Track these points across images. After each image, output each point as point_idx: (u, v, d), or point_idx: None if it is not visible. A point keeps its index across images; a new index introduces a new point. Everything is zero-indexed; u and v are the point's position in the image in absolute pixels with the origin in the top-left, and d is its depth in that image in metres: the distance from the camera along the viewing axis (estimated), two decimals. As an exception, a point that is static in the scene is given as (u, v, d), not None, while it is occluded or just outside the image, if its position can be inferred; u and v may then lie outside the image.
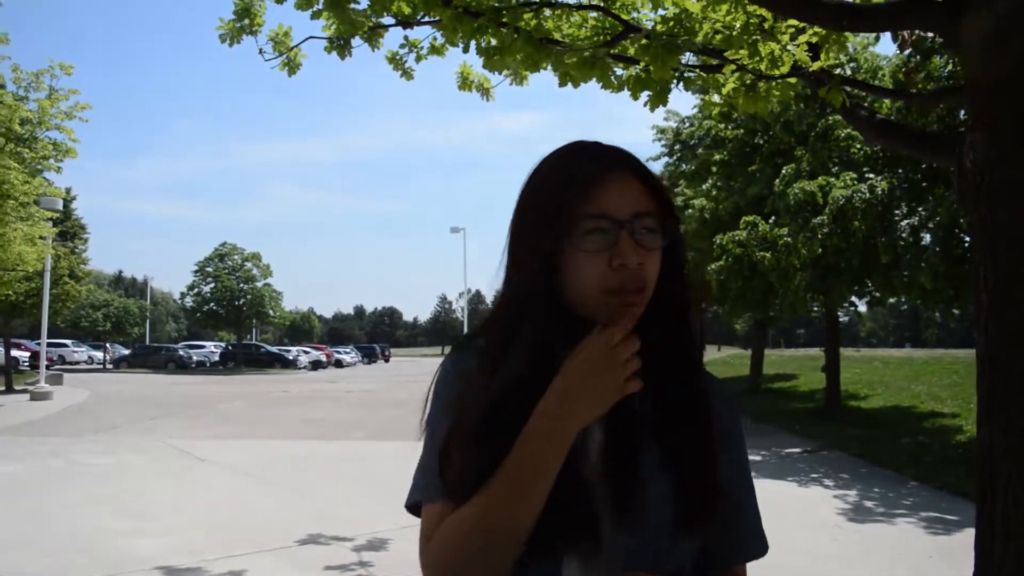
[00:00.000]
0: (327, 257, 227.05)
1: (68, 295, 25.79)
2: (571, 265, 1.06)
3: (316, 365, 48.44)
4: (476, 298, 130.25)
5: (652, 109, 4.91)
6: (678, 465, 1.09)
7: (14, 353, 31.63)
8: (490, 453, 1.02)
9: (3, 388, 22.93)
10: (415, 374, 40.04)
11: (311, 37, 6.11)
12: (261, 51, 6.67)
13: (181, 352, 47.01)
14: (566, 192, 1.07)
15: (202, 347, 51.57)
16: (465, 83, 6.33)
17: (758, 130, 15.99)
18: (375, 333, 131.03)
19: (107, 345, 48.13)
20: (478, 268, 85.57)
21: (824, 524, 7.33)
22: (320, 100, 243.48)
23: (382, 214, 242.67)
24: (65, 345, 48.80)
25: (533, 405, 1.02)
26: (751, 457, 1.33)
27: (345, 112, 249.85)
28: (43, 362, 21.68)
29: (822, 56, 4.56)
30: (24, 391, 20.51)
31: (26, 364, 33.58)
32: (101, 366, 45.85)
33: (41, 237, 18.45)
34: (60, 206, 21.60)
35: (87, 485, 8.73)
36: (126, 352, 48.52)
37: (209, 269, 45.73)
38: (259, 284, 46.10)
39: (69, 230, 32.80)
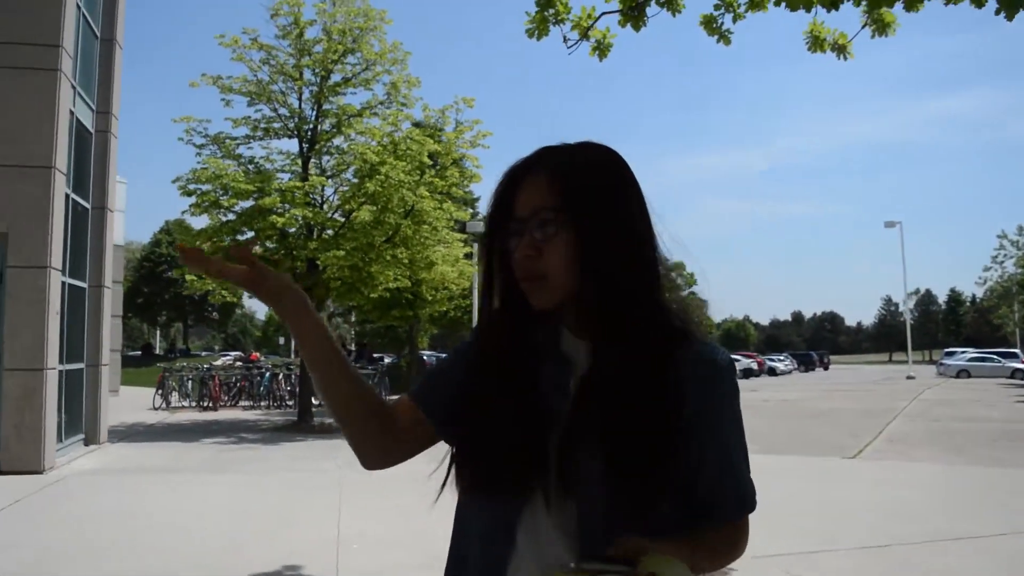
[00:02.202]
0: (760, 264, 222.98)
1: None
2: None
3: (747, 373, 47.29)
4: (926, 298, 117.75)
5: None
6: (621, 448, 1.13)
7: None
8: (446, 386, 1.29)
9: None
10: (850, 383, 37.03)
11: (605, 13, 5.75)
12: (565, 39, 6.36)
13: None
14: (493, 206, 1.24)
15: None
16: (816, 43, 5.58)
17: None
18: (815, 339, 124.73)
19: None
20: (919, 265, 76.70)
21: None
22: (738, 108, 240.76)
23: (812, 215, 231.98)
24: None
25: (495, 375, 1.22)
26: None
27: (773, 119, 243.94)
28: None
29: None
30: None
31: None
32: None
33: (466, 256, 20.37)
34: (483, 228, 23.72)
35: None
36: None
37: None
38: (684, 294, 46.34)
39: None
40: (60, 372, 10.23)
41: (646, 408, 1.14)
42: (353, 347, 37.09)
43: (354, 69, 16.28)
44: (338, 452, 11.37)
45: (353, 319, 45.57)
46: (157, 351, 60.85)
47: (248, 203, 15.41)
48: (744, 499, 1.25)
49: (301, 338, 1.22)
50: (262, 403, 21.62)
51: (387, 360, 31.12)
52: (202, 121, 15.93)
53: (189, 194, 15.24)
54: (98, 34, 12.16)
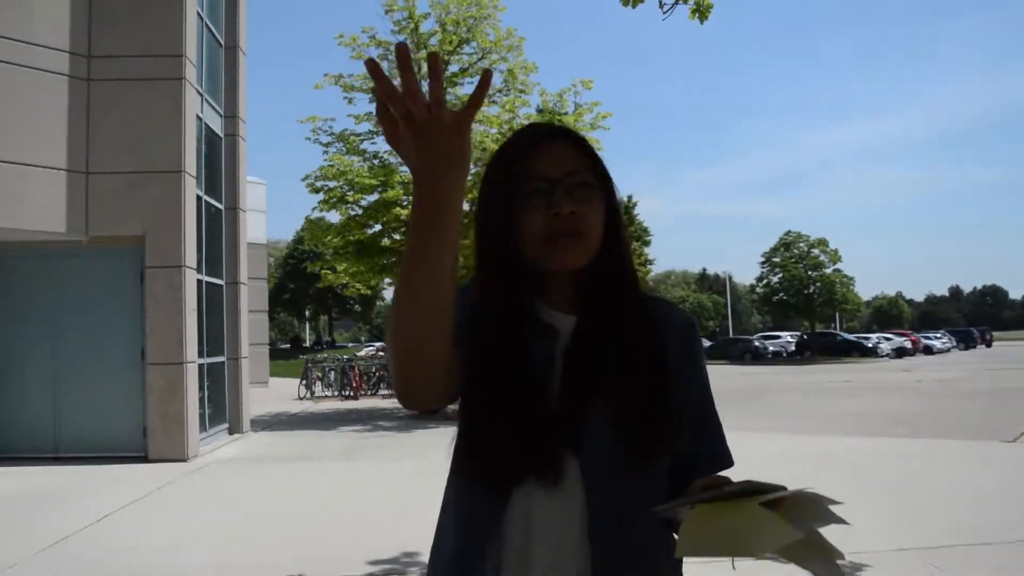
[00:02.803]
0: (913, 238, 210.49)
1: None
2: (520, 224, 1.20)
3: (900, 352, 44.77)
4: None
5: None
6: (626, 395, 1.18)
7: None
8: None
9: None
10: (1015, 360, 34.42)
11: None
12: (661, 4, 6.12)
13: (757, 343, 47.44)
14: (513, 162, 1.22)
15: (778, 337, 51.43)
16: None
17: None
18: (975, 315, 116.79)
19: (702, 339, 50.91)
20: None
21: None
22: (879, 73, 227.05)
23: (971, 185, 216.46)
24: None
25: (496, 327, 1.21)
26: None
27: (919, 82, 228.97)
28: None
29: None
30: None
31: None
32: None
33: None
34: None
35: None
36: (707, 344, 50.94)
37: (776, 259, 45.56)
38: (828, 271, 44.48)
39: (633, 234, 35.65)
40: (201, 365, 10.78)
41: (644, 362, 1.21)
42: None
43: (470, 59, 16.37)
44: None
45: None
46: (305, 344, 63.71)
47: (373, 197, 15.79)
48: (726, 452, 1.32)
49: (452, 222, 1.00)
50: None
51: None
52: (327, 120, 16.44)
53: (317, 191, 15.76)
54: (222, 42, 12.70)
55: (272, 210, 30.33)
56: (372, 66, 0.93)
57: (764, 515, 0.95)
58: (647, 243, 37.14)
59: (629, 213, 38.43)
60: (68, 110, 9.76)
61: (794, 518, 0.96)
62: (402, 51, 0.92)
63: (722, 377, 28.09)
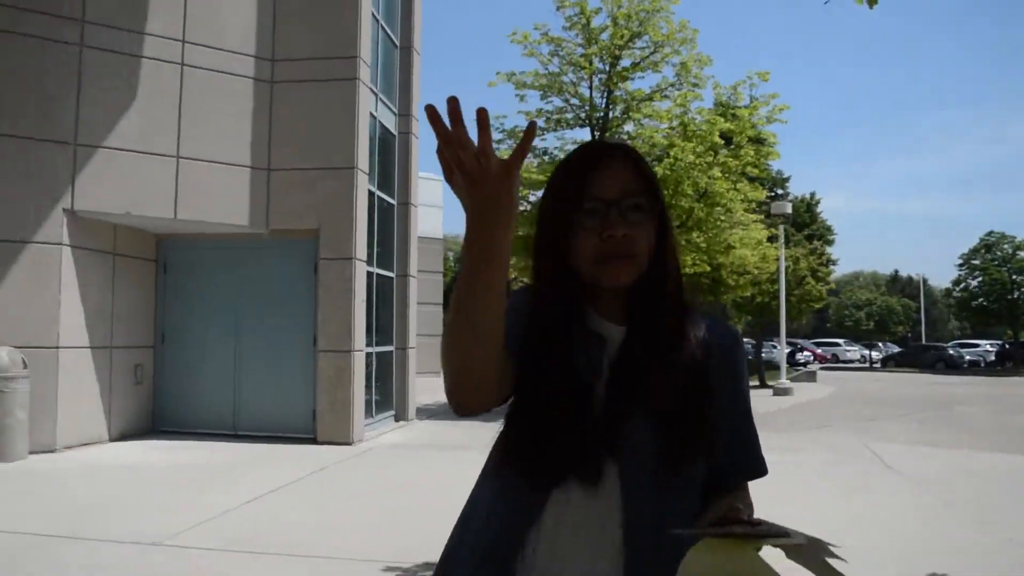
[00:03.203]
0: None
1: (810, 295, 26.46)
2: (575, 244, 1.27)
3: None
4: None
5: None
6: (667, 405, 1.23)
7: (799, 355, 38.70)
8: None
9: (757, 383, 24.68)
10: None
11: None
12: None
13: (951, 351, 43.84)
14: (569, 183, 1.30)
15: (976, 346, 47.34)
16: None
17: None
18: None
19: (879, 344, 48.05)
20: None
21: None
22: None
23: None
24: (837, 344, 51.08)
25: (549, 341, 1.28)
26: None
27: None
28: (783, 360, 22.57)
29: None
30: (770, 387, 21.62)
31: (803, 362, 36.90)
32: (868, 364, 45.98)
33: (770, 239, 19.35)
34: (789, 210, 22.38)
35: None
36: (896, 350, 47.76)
37: (976, 262, 41.91)
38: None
39: (815, 232, 33.89)
40: (369, 354, 11.25)
41: (686, 374, 1.27)
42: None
43: (642, 53, 16.06)
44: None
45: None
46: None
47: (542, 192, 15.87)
48: (759, 462, 1.40)
49: (499, 255, 1.08)
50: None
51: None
52: (498, 117, 16.66)
53: (486, 187, 16.03)
54: (397, 43, 13.16)
55: (449, 205, 31.13)
56: (431, 112, 1.01)
57: (763, 568, 0.98)
58: (830, 242, 35.16)
59: (812, 211, 36.57)
60: (252, 111, 10.45)
61: (803, 562, 0.98)
62: (452, 105, 1.01)
63: (907, 386, 26.36)
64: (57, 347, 9.01)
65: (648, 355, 1.26)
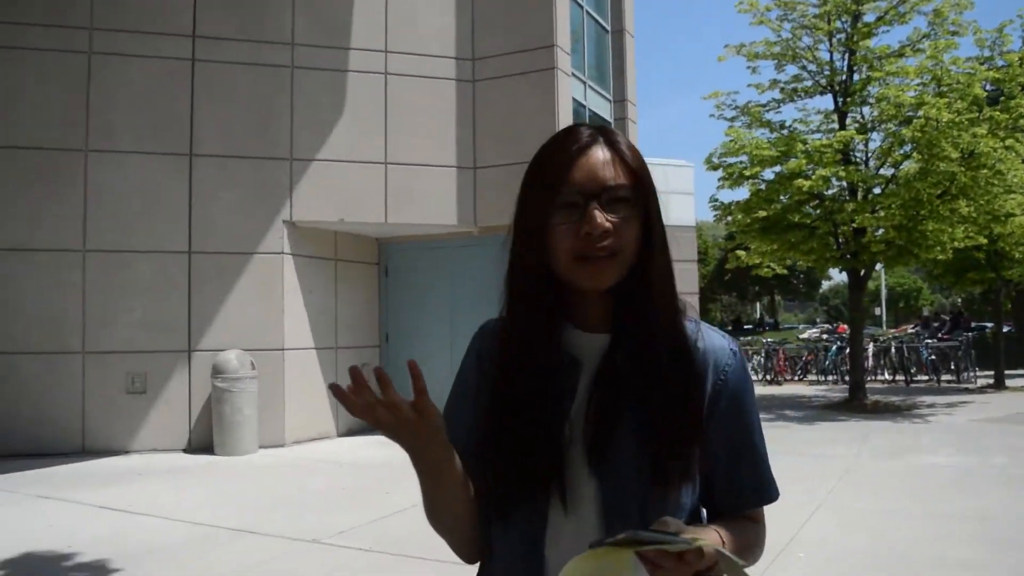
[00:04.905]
0: None
1: None
2: (552, 239, 1.16)
3: None
4: None
5: None
6: (651, 423, 1.16)
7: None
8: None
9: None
10: None
11: None
12: None
13: None
14: (547, 173, 1.18)
15: None
16: None
17: None
18: None
19: None
20: None
21: None
22: None
23: None
24: None
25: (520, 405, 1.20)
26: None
27: None
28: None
29: None
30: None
31: None
32: None
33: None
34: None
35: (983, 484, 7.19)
36: None
37: None
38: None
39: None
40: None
41: (672, 389, 1.18)
42: (947, 316, 33.23)
43: (888, 3, 14.35)
44: (868, 438, 10.17)
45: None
46: (746, 325, 62.61)
47: (777, 169, 14.71)
48: (770, 485, 1.29)
49: (445, 471, 1.18)
50: (828, 378, 20.62)
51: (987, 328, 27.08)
52: (730, 94, 15.68)
53: (715, 168, 15.15)
54: (608, 27, 12.77)
55: (700, 191, 30.09)
56: (335, 389, 1.06)
57: (629, 565, 0.97)
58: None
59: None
60: (456, 111, 10.58)
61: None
62: (379, 374, 1.10)
63: None
64: (283, 349, 9.68)
65: (631, 367, 1.18)
